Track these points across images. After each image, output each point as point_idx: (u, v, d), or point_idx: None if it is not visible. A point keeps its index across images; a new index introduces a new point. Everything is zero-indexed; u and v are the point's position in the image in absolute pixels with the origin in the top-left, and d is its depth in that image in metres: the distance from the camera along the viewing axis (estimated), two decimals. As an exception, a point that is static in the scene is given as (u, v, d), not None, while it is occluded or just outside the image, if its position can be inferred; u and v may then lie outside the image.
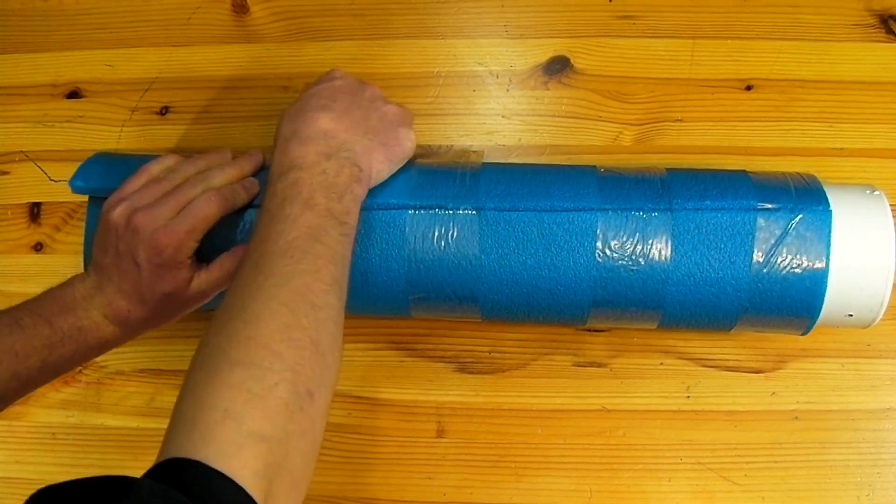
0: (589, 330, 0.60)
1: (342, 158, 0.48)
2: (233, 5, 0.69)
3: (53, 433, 0.62)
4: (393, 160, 0.52)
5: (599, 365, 0.60)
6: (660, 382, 0.59)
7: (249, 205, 0.52)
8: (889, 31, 0.64)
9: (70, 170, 0.66)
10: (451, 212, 0.52)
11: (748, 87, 0.64)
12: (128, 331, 0.51)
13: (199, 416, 0.35)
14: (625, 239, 0.51)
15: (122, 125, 0.67)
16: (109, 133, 0.67)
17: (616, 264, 0.51)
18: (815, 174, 0.54)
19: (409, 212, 0.52)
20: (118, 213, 0.49)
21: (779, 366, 0.59)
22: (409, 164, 0.55)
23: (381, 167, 0.51)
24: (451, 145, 0.64)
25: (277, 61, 0.67)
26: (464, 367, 0.60)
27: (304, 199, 0.45)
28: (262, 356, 0.38)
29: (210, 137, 0.66)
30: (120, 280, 0.49)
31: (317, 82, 0.54)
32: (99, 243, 0.50)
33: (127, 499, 0.31)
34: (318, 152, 0.48)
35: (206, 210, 0.49)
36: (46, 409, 0.62)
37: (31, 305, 0.49)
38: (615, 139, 0.64)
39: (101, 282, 0.49)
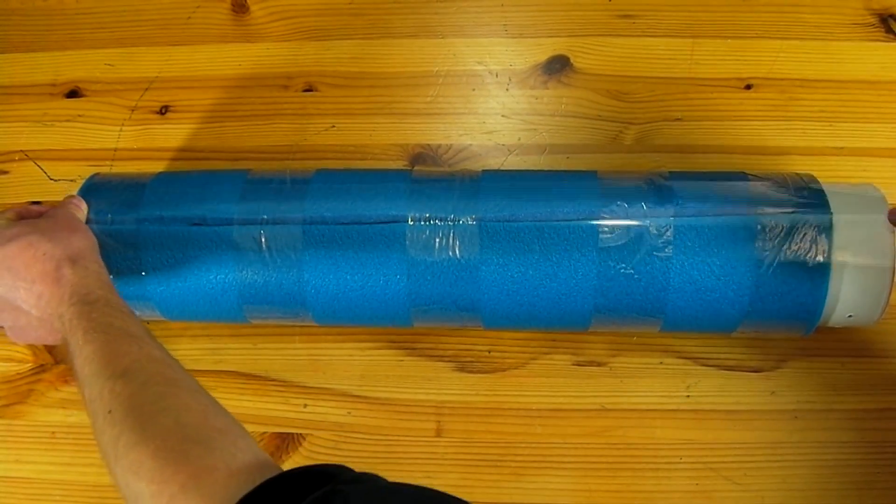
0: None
1: None
2: (232, 5, 0.69)
3: (53, 432, 0.62)
4: None
5: (599, 364, 0.60)
6: (660, 382, 0.59)
7: None
8: (889, 30, 0.64)
9: (70, 169, 0.66)
10: (451, 222, 0.52)
11: (748, 87, 0.64)
12: None
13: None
14: (625, 246, 0.50)
15: (122, 124, 0.67)
16: (109, 132, 0.67)
17: (617, 272, 0.51)
18: (815, 173, 0.53)
19: (409, 223, 0.52)
20: None
21: (779, 365, 0.59)
22: (408, 174, 0.55)
23: None
24: (451, 145, 0.64)
25: (277, 61, 0.67)
26: (463, 367, 0.60)
27: None
28: None
29: (210, 137, 0.66)
30: None
31: None
32: None
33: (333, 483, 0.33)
34: None
35: None
36: (46, 409, 0.62)
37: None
38: (615, 138, 0.63)
39: None
